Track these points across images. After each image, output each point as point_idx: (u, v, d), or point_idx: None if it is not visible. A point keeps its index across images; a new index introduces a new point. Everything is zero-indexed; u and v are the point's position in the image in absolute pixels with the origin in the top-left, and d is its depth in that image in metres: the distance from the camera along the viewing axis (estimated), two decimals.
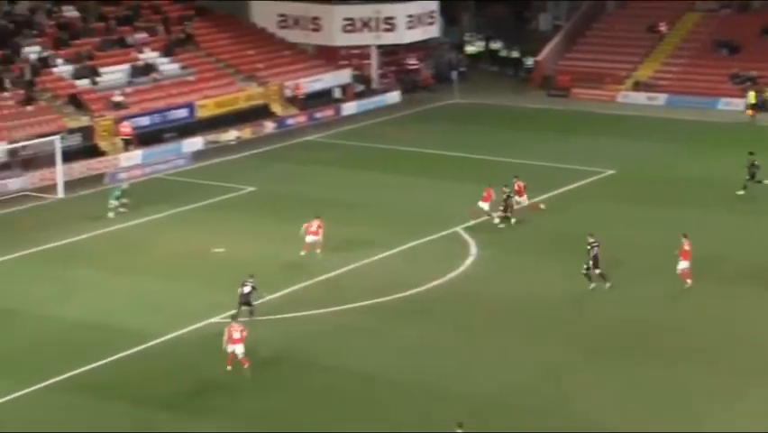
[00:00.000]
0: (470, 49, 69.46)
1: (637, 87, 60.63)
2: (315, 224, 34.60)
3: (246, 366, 26.51)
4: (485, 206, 37.50)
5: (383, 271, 34.12)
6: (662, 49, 63.16)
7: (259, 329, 29.57)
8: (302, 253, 34.55)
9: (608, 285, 31.80)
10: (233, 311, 29.54)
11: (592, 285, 31.76)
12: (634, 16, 65.54)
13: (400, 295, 31.95)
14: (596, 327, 29.64)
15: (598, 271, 31.82)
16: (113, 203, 39.19)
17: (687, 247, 31.71)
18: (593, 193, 42.47)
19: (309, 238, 34.54)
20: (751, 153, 40.93)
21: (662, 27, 63.81)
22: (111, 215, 38.96)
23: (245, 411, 25.15)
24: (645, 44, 63.43)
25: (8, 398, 25.45)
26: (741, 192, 40.46)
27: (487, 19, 71.53)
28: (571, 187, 42.95)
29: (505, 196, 37.70)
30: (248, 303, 29.77)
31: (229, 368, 26.77)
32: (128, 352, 27.95)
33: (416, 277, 33.28)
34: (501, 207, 37.76)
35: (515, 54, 67.78)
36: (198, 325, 29.76)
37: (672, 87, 59.72)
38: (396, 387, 26.22)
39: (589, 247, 31.83)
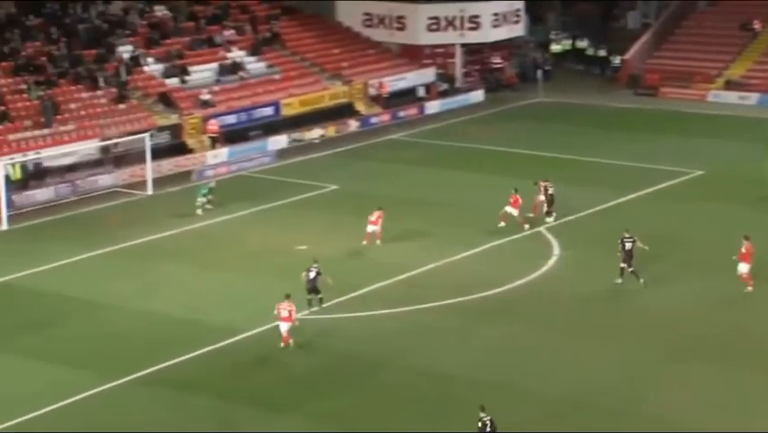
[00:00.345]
0: (555, 47, 68.74)
1: (729, 86, 59.27)
2: (375, 214, 35.20)
3: (285, 345, 27.96)
4: (513, 211, 36.88)
5: (465, 270, 34.05)
6: (755, 47, 61.59)
7: (339, 327, 29.81)
8: (363, 243, 35.18)
9: (618, 281, 31.79)
10: (305, 297, 29.80)
11: (619, 280, 31.77)
12: (726, 14, 64.04)
13: (482, 294, 31.85)
14: (677, 328, 29.17)
15: (624, 266, 31.64)
16: (200, 200, 39.89)
17: (744, 250, 31.16)
18: (680, 193, 41.69)
19: (369, 228, 35.25)
20: None
21: (756, 25, 62.24)
22: (199, 212, 39.66)
23: (325, 409, 25.35)
24: (738, 42, 61.95)
25: (94, 391, 26.02)
26: None
27: (573, 17, 70.73)
28: (659, 187, 42.23)
29: (545, 191, 37.32)
30: (315, 290, 30.20)
31: (282, 345, 27.99)
32: (212, 347, 28.40)
33: (498, 276, 33.15)
34: (545, 206, 37.26)
35: (601, 53, 66.88)
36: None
37: (765, 87, 58.21)
38: (475, 387, 26.10)
39: (620, 242, 31.62)
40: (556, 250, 35.52)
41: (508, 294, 32.04)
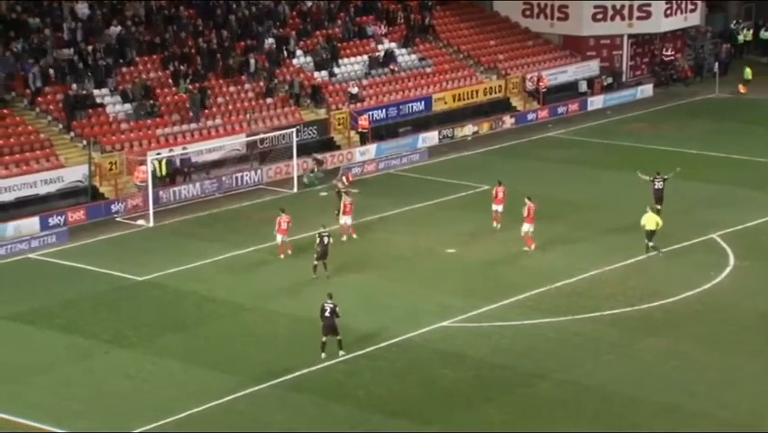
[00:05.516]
0: (736, 37, 66.50)
1: None
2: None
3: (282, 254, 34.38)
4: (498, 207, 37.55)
5: (628, 278, 33.40)
6: None
7: (491, 336, 29.70)
8: (525, 249, 35.18)
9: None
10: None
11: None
12: None
13: (646, 305, 31.24)
14: None
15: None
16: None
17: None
18: None
19: (525, 227, 35.45)
20: None
21: None
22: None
23: (473, 422, 25.28)
24: None
25: (236, 395, 26.65)
26: None
27: (757, 4, 68.23)
28: None
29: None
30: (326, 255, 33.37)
31: (282, 256, 34.74)
32: (356, 353, 28.73)
33: (664, 286, 32.43)
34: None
35: None
36: (428, 328, 30.24)
37: None
38: (637, 406, 25.61)
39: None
40: (731, 260, 34.41)
41: (676, 306, 31.26)
